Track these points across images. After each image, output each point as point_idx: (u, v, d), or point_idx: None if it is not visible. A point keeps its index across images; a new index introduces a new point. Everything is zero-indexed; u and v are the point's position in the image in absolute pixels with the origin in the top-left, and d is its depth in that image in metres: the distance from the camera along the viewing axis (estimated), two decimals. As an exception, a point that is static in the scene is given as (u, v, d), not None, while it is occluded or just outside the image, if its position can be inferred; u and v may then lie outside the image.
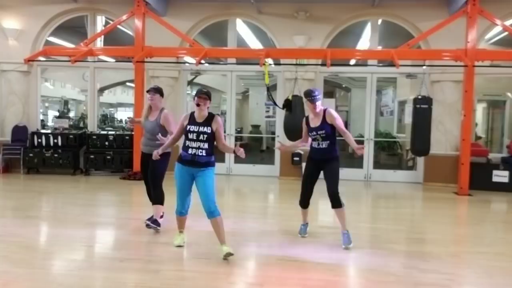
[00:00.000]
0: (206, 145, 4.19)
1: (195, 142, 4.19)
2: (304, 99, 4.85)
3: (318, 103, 4.71)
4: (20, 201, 6.81)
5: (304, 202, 4.98)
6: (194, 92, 17.35)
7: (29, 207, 6.39)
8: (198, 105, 4.18)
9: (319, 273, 3.96)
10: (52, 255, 4.33)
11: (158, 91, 5.16)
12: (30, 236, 4.91)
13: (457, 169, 8.47)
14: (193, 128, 4.20)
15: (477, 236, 5.65)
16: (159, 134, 4.80)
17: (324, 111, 4.75)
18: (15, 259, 4.08)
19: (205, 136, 4.17)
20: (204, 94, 4.19)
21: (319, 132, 4.72)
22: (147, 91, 5.19)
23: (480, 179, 8.44)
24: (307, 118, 4.91)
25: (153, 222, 5.10)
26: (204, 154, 4.19)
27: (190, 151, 4.20)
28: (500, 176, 8.55)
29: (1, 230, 5.06)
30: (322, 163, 4.81)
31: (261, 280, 3.80)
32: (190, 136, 4.20)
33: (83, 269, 3.92)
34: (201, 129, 4.18)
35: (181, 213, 4.42)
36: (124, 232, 5.15)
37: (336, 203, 4.68)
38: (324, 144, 4.74)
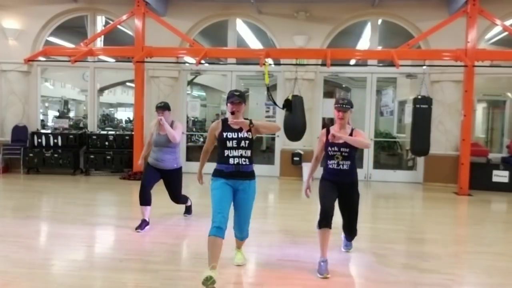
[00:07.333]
0: (249, 153, 3.73)
1: (237, 150, 3.68)
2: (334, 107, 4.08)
3: (347, 114, 4.00)
4: (20, 201, 6.81)
5: (327, 219, 3.86)
6: (194, 92, 17.38)
7: (29, 207, 6.39)
8: (232, 113, 3.70)
9: (319, 273, 3.95)
10: (52, 255, 4.31)
11: (165, 108, 5.18)
12: (30, 236, 4.90)
13: (457, 169, 8.47)
14: (231, 134, 3.70)
15: (477, 236, 5.64)
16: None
17: (352, 130, 4.08)
18: (15, 259, 4.07)
19: (247, 142, 3.70)
20: (237, 98, 3.71)
21: (342, 150, 3.98)
22: (156, 110, 5.19)
23: (480, 179, 8.44)
24: (328, 130, 4.04)
25: (188, 210, 5.90)
26: (248, 162, 3.72)
27: (231, 161, 3.68)
28: (500, 176, 8.55)
29: (1, 230, 5.06)
30: (340, 186, 4.06)
31: (261, 280, 3.79)
32: (229, 144, 3.68)
33: (83, 269, 3.91)
34: (241, 135, 3.70)
35: (219, 229, 3.48)
36: (124, 232, 5.15)
37: (352, 238, 4.39)
38: (345, 165, 4.01)
